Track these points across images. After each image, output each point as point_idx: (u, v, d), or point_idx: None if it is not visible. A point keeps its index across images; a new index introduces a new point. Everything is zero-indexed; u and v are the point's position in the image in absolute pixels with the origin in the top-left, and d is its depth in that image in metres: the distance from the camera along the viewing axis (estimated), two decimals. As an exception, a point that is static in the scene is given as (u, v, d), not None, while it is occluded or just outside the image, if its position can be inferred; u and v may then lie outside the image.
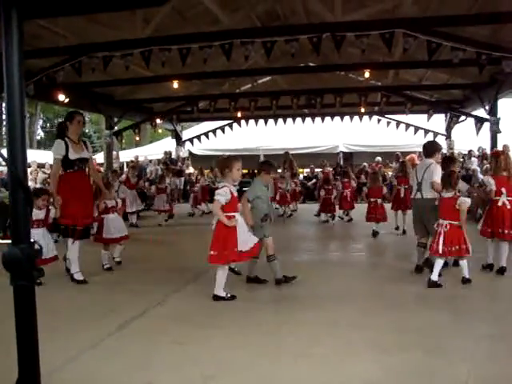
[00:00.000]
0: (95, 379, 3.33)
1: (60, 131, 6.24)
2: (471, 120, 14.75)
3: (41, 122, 45.71)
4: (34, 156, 19.85)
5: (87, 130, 44.23)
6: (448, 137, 17.55)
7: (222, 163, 5.38)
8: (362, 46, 7.66)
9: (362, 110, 15.57)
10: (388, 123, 17.24)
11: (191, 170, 20.72)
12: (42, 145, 41.82)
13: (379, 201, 9.91)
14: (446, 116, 17.48)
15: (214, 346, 3.86)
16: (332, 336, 4.05)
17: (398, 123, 17.01)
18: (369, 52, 9.81)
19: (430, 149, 6.51)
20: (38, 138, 44.24)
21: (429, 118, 16.06)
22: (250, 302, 5.16)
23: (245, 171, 21.29)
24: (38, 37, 9.75)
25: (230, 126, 18.83)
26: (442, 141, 17.33)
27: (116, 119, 16.57)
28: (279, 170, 18.40)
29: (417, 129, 16.85)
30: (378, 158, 18.87)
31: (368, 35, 7.53)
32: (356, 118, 16.76)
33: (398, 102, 15.08)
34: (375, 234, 9.57)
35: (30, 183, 12.48)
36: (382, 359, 3.55)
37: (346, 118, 16.89)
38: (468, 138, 16.66)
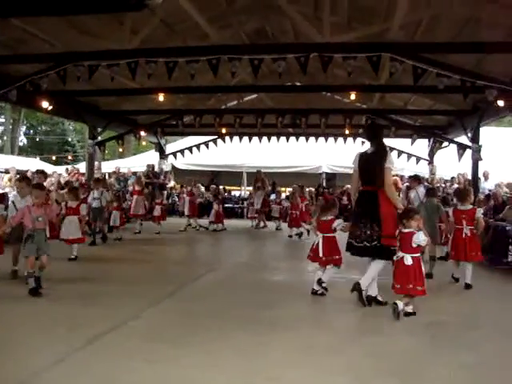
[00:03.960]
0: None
1: None
2: (454, 146, 14.89)
3: (24, 128, 45.21)
4: (15, 162, 19.59)
5: (70, 139, 43.91)
6: (430, 162, 17.66)
7: None
8: (349, 67, 7.69)
9: (347, 131, 15.65)
10: (373, 146, 17.31)
11: (172, 183, 20.63)
12: (25, 151, 41.35)
13: None
14: (429, 141, 17.60)
15: (184, 366, 3.76)
16: (306, 360, 3.95)
17: (382, 146, 17.09)
18: (355, 74, 9.86)
19: None
20: (21, 144, 43.74)
21: (412, 143, 16.19)
22: (225, 321, 5.05)
23: (229, 187, 21.33)
24: (23, 42, 9.64)
25: (215, 141, 18.79)
26: (424, 166, 17.54)
27: (100, 129, 16.43)
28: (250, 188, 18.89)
29: (400, 152, 16.95)
30: None
31: (355, 57, 7.57)
32: (340, 139, 16.84)
33: (382, 125, 15.17)
34: None
35: (8, 189, 12.26)
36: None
37: (331, 139, 16.96)
38: (450, 163, 16.78)
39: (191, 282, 7.13)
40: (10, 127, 40.27)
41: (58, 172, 19.17)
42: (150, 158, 21.66)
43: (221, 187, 18.83)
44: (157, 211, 13.55)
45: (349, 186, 18.19)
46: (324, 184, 20.37)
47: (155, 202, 13.95)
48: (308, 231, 13.71)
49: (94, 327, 4.58)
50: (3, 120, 41.73)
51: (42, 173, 7.55)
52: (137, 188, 13.62)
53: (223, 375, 3.59)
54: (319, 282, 6.19)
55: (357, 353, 4.17)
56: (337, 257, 6.23)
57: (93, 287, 6.27)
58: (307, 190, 19.60)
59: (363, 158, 6.03)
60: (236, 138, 17.88)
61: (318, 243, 6.29)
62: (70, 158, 30.93)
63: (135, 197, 13.34)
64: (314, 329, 4.88)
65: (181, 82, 11.21)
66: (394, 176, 11.93)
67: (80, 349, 4.03)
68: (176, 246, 11.56)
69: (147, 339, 4.37)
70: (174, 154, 19.98)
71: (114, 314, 5.13)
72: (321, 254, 6.21)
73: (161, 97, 11.99)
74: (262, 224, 15.81)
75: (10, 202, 7.01)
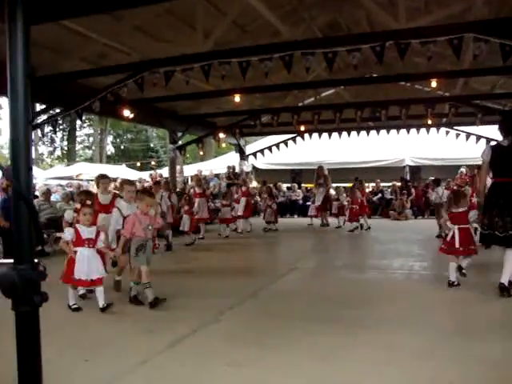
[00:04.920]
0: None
1: None
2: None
3: (111, 137, 47.34)
4: (104, 170, 20.47)
5: (153, 145, 45.43)
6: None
7: None
8: (428, 53, 7.26)
9: (429, 121, 14.96)
10: (457, 135, 16.48)
11: (254, 184, 20.71)
12: (112, 159, 43.24)
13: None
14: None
15: (266, 369, 3.67)
16: (390, 364, 3.73)
17: (468, 135, 16.23)
18: (435, 61, 9.37)
19: None
20: (109, 152, 45.79)
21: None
22: (307, 322, 4.92)
23: (309, 186, 21.13)
24: (103, 55, 10.02)
25: (294, 139, 18.66)
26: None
27: (180, 134, 16.78)
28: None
29: (488, 140, 15.97)
30: (462, 170, 16.01)
31: (434, 41, 7.13)
32: (423, 130, 16.15)
33: (467, 112, 14.36)
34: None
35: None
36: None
37: (413, 130, 16.31)
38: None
39: (272, 282, 7.06)
40: (98, 137, 42.32)
41: (142, 178, 19.86)
42: (231, 159, 21.89)
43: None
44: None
45: (432, 178, 17.37)
46: (408, 177, 19.67)
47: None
48: (361, 226, 13.44)
49: (174, 330, 4.61)
50: (92, 131, 43.89)
51: (105, 177, 7.30)
52: (198, 190, 12.91)
53: (304, 379, 3.46)
54: (459, 268, 6.26)
55: (447, 358, 3.87)
56: (472, 247, 6.29)
57: (172, 290, 6.27)
58: (391, 184, 19.18)
59: (498, 151, 6.03)
60: (315, 135, 17.65)
61: (452, 235, 6.35)
62: (153, 163, 31.87)
63: (197, 200, 12.51)
64: (400, 330, 4.61)
65: (256, 81, 11.18)
66: None
67: (162, 352, 4.05)
68: (251, 247, 11.57)
69: (228, 341, 4.33)
70: (254, 154, 20.04)
71: (195, 316, 5.15)
72: (457, 245, 6.28)
73: (237, 97, 12.01)
74: (324, 221, 15.47)
75: (115, 210, 6.52)
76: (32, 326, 1.37)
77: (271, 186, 17.57)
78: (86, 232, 5.44)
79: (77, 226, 5.47)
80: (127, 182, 6.91)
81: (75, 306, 5.46)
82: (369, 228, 14.25)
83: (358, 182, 15.23)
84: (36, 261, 1.37)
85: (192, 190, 13.97)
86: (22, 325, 1.37)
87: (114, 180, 17.54)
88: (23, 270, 1.31)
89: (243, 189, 14.48)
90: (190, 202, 12.12)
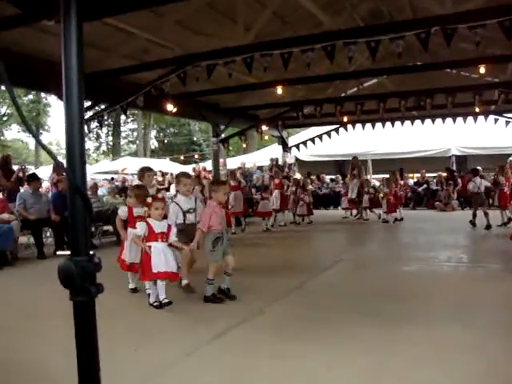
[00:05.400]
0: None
1: None
2: None
3: (154, 132, 48.10)
4: (148, 164, 20.77)
5: (196, 139, 45.91)
6: None
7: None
8: (477, 38, 7.02)
9: (477, 109, 14.53)
10: (507, 123, 15.96)
11: (298, 176, 20.66)
12: (156, 153, 43.93)
13: None
14: None
15: (310, 362, 3.65)
16: (438, 360, 3.64)
17: (519, 123, 15.70)
18: (483, 46, 9.06)
19: None
20: (152, 147, 46.53)
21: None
22: (353, 314, 4.89)
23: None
24: (146, 51, 10.16)
25: (337, 130, 18.50)
26: None
27: (223, 127, 16.90)
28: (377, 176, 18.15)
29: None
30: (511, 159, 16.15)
31: (483, 25, 6.88)
32: (470, 118, 15.71)
33: (518, 98, 13.87)
34: None
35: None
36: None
37: (459, 119, 15.90)
38: None
39: (318, 274, 7.04)
40: (142, 132, 43.05)
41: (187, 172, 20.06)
42: (274, 151, 21.88)
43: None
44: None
45: (479, 168, 16.82)
46: (454, 167, 19.19)
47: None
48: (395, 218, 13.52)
49: (220, 322, 4.65)
50: (136, 126, 44.69)
51: (151, 170, 7.14)
52: (232, 183, 12.41)
53: (350, 373, 3.43)
54: None
55: (498, 355, 3.74)
56: None
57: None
58: (437, 174, 18.76)
59: None
60: (358, 126, 17.45)
61: None
62: (196, 156, 32.18)
63: (232, 193, 11.92)
64: (450, 325, 4.50)
65: (298, 72, 11.14)
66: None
67: (207, 343, 4.10)
68: (295, 240, 11.51)
69: (274, 334, 4.34)
70: (297, 145, 19.98)
71: (240, 308, 5.18)
72: None
73: (279, 89, 11.98)
74: (360, 214, 15.03)
75: (171, 203, 6.19)
76: (89, 315, 1.42)
77: (301, 177, 17.45)
78: (158, 226, 5.29)
79: (148, 220, 5.31)
80: (185, 175, 6.44)
81: (166, 301, 5.17)
82: (402, 219, 14.05)
83: (392, 173, 14.97)
84: (91, 253, 1.41)
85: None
86: (80, 314, 1.42)
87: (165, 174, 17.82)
88: (80, 261, 1.36)
89: (276, 181, 14.07)
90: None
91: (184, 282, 5.93)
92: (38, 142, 1.71)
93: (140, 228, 5.30)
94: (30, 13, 6.73)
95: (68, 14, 1.34)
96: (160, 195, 6.58)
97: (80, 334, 1.42)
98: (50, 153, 1.58)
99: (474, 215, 12.01)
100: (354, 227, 13.76)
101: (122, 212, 6.03)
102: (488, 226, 11.57)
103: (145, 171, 6.81)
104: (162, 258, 5.15)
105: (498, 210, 12.21)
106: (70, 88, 1.37)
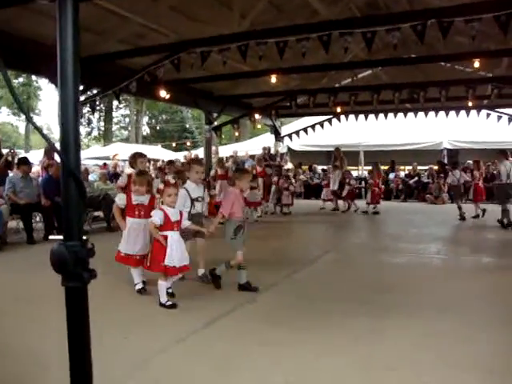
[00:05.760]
0: (179, 374, 3.29)
1: None
2: None
3: (146, 118, 47.82)
4: (140, 150, 20.62)
5: (188, 126, 45.72)
6: None
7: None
8: (473, 31, 7.01)
9: (470, 103, 14.57)
10: (499, 117, 16.03)
11: (290, 165, 20.63)
12: (148, 140, 43.73)
13: None
14: None
15: (301, 351, 3.67)
16: (427, 349, 3.69)
17: (511, 117, 15.76)
18: (479, 40, 9.05)
19: None
20: (144, 133, 46.30)
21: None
22: (342, 304, 4.90)
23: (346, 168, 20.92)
24: (141, 36, 10.08)
25: (330, 121, 18.48)
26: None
27: (215, 114, 16.83)
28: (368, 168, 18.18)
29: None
30: None
31: (480, 19, 6.86)
32: (462, 112, 15.75)
33: (511, 94, 13.92)
34: None
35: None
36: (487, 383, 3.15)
37: (452, 112, 15.94)
38: None
39: (308, 264, 7.05)
40: (134, 118, 42.81)
41: (179, 159, 19.98)
42: (266, 140, 21.83)
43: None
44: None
45: (470, 161, 16.90)
46: (445, 161, 19.25)
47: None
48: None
49: (211, 310, 4.66)
50: (128, 112, 44.42)
51: (143, 155, 6.81)
52: (220, 172, 12.16)
53: (338, 362, 3.45)
54: None
55: (487, 345, 3.80)
56: None
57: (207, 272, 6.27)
58: (428, 167, 18.82)
59: None
60: (351, 117, 17.44)
61: None
62: (188, 144, 32.04)
63: (219, 182, 11.78)
64: (438, 315, 4.55)
65: (292, 62, 11.08)
66: None
67: (198, 331, 4.11)
68: (285, 230, 11.50)
69: (264, 322, 4.36)
70: (290, 135, 19.95)
71: (231, 296, 5.19)
72: None
73: (273, 78, 11.93)
74: (348, 206, 14.87)
75: (181, 189, 5.65)
76: (81, 301, 1.40)
77: (292, 167, 17.34)
78: (174, 214, 4.97)
79: (164, 208, 4.94)
80: (197, 162, 6.06)
81: (169, 303, 4.82)
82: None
83: (375, 165, 15.10)
84: (84, 238, 1.39)
85: (214, 172, 13.31)
86: (72, 300, 1.40)
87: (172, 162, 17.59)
88: (73, 246, 1.34)
89: (258, 169, 13.71)
90: (209, 186, 11.23)
91: (201, 271, 5.83)
92: (31, 122, 1.66)
93: (157, 217, 4.87)
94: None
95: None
96: (172, 180, 6.35)
97: (72, 320, 1.41)
98: (43, 134, 1.54)
99: (460, 208, 12.32)
100: (342, 218, 13.77)
101: (120, 200, 5.56)
102: (463, 218, 12.08)
103: (137, 157, 6.45)
104: (179, 252, 4.87)
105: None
106: (65, 70, 1.35)
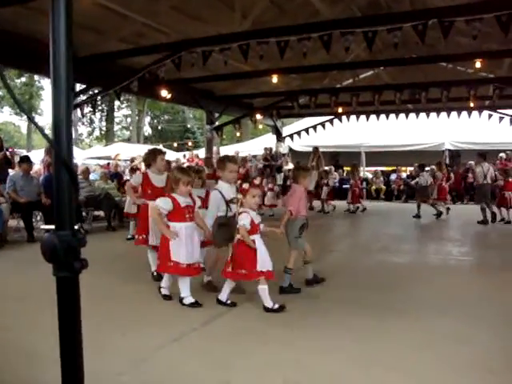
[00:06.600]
0: (178, 373, 3.27)
1: None
2: None
3: (148, 118, 47.83)
4: (141, 151, 20.67)
5: (190, 126, 45.73)
6: None
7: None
8: (474, 32, 6.99)
9: (471, 104, 14.55)
10: (500, 118, 16.00)
11: (291, 166, 20.60)
12: (149, 140, 43.72)
13: None
14: None
15: (298, 349, 3.65)
16: (428, 348, 3.67)
17: (513, 118, 15.77)
18: (480, 40, 9.03)
19: None
20: (146, 133, 46.30)
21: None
22: (342, 304, 4.89)
23: (346, 168, 20.90)
24: (142, 35, 10.07)
25: (331, 121, 18.47)
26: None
27: (217, 115, 16.83)
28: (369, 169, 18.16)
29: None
30: (502, 155, 16.75)
31: (481, 19, 6.84)
32: (464, 113, 15.74)
33: (512, 95, 13.87)
34: None
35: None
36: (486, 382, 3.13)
37: (453, 113, 15.93)
38: None
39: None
40: (136, 118, 42.84)
41: (180, 159, 20.00)
42: (268, 141, 21.82)
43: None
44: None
45: (472, 162, 16.91)
46: (447, 161, 19.22)
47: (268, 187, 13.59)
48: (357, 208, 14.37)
49: (209, 308, 4.65)
50: (130, 112, 44.43)
51: (162, 153, 6.43)
52: (207, 171, 11.00)
53: (337, 361, 3.44)
54: None
55: (486, 344, 3.77)
56: None
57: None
58: (428, 168, 18.77)
59: None
60: (353, 117, 17.43)
61: None
62: (190, 144, 32.01)
63: (206, 182, 11.30)
64: (438, 315, 4.52)
65: (294, 62, 11.09)
66: None
67: (196, 328, 4.10)
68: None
69: (262, 321, 4.34)
70: (291, 135, 19.95)
71: (231, 295, 5.16)
72: None
73: (274, 78, 11.93)
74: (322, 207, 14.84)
75: (213, 191, 5.24)
76: (72, 291, 1.39)
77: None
78: (256, 217, 4.75)
79: (248, 210, 4.70)
80: (231, 160, 5.39)
81: (276, 306, 4.57)
82: (364, 209, 14.79)
83: (353, 166, 15.83)
84: (76, 227, 1.38)
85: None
86: (63, 290, 1.39)
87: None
88: (64, 235, 1.33)
89: (241, 170, 13.27)
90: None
91: (206, 278, 5.49)
92: (29, 118, 1.66)
93: (245, 220, 4.61)
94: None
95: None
96: (257, 181, 6.21)
97: (63, 311, 1.39)
98: (38, 127, 1.53)
99: (433, 205, 13.24)
100: (341, 218, 13.77)
101: (166, 204, 4.76)
102: (418, 216, 13.04)
103: (157, 154, 5.99)
104: (266, 254, 4.70)
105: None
106: (57, 58, 1.34)
